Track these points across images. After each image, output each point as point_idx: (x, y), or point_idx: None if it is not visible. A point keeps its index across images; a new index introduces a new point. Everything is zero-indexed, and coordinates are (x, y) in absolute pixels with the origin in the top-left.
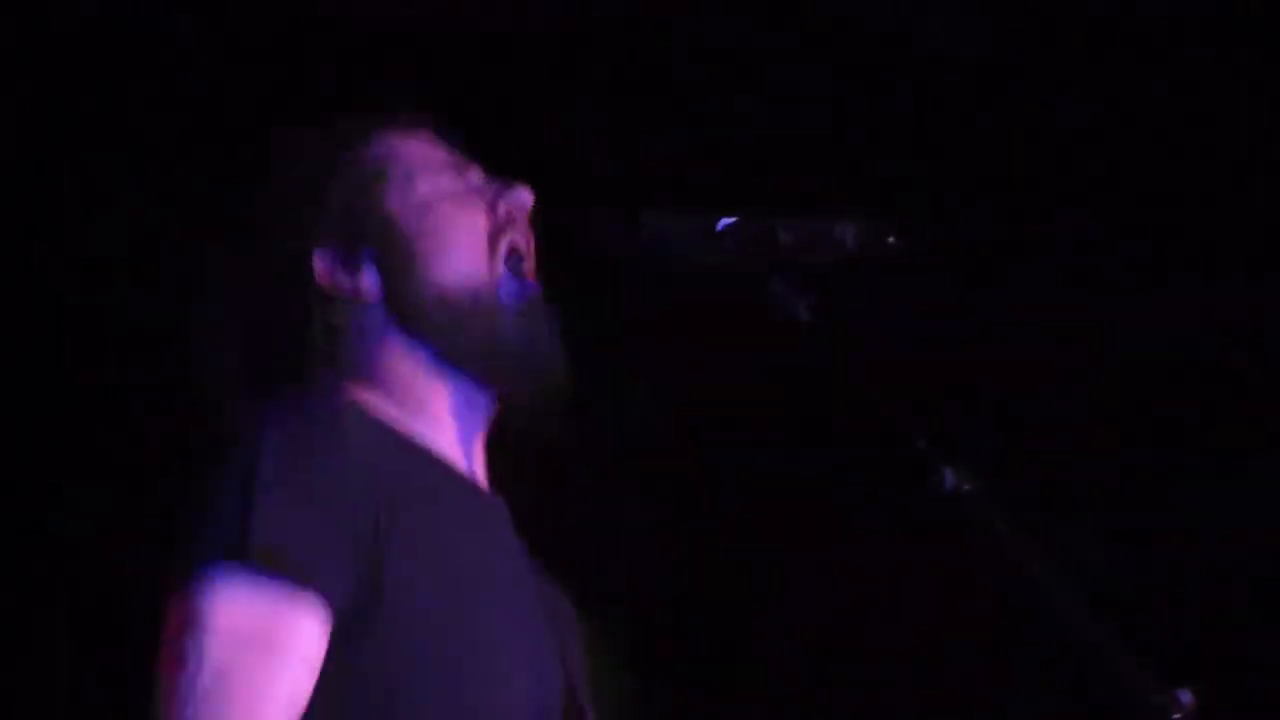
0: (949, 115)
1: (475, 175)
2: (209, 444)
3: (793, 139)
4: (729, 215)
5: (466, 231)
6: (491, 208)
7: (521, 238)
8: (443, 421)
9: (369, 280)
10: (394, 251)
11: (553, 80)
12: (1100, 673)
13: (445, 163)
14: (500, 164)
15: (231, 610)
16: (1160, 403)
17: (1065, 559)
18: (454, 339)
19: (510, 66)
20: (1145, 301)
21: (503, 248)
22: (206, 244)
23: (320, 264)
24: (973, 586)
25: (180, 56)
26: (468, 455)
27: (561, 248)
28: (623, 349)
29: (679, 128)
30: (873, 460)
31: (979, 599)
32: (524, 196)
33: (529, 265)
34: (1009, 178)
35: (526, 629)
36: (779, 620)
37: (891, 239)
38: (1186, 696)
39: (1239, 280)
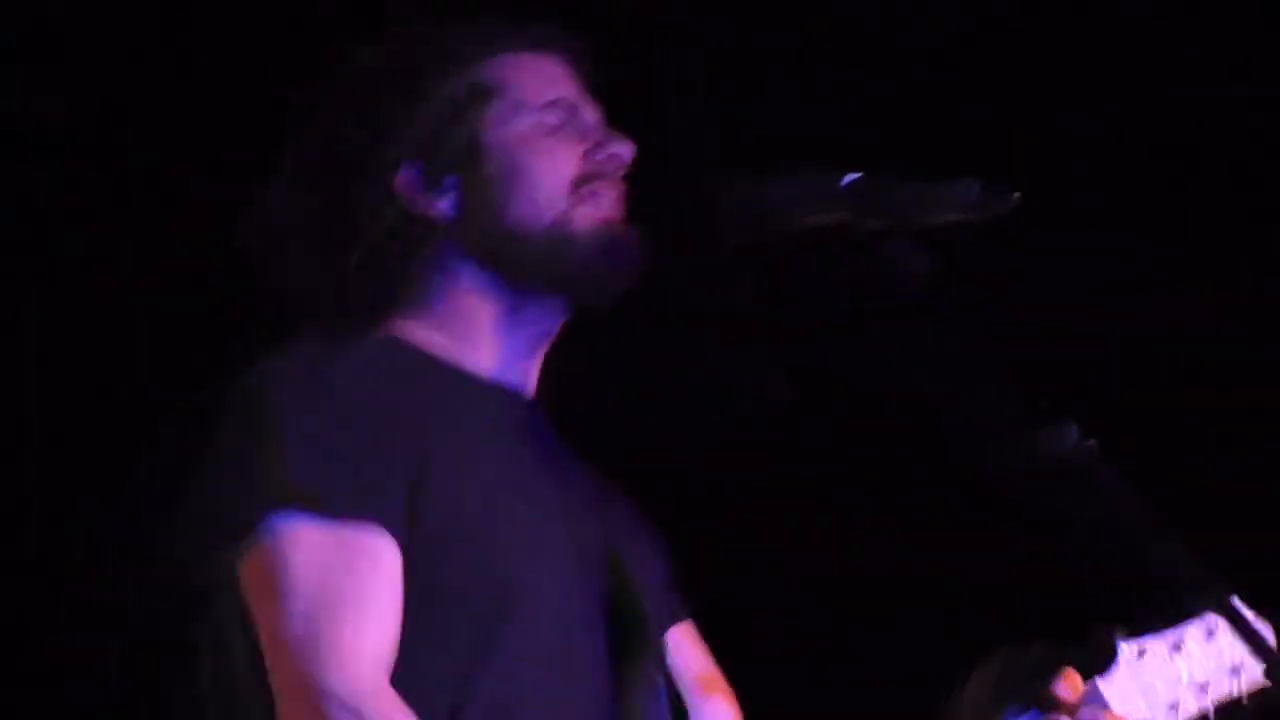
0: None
1: (589, 114)
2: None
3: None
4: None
5: (551, 174)
6: (587, 155)
7: (609, 190)
8: (498, 346)
9: (445, 205)
10: (476, 184)
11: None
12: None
13: (560, 97)
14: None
15: (309, 544)
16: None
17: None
18: (523, 268)
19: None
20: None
21: (584, 192)
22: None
23: (404, 177)
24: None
25: None
26: (519, 372)
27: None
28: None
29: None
30: (978, 424)
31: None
32: (623, 150)
33: (610, 215)
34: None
35: (555, 528)
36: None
37: (1016, 196)
38: None
39: None
